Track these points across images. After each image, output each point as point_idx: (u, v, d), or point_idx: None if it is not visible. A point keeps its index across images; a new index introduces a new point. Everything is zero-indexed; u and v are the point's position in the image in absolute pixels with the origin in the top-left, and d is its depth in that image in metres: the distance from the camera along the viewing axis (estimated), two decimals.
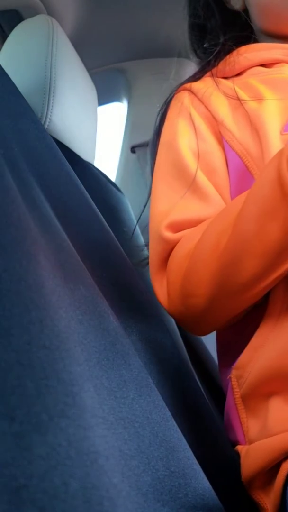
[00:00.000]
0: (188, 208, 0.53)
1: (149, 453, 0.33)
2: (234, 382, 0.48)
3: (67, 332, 0.29)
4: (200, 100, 0.60)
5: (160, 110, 0.66)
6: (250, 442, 0.45)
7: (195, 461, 0.37)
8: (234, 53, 0.63)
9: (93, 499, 0.21)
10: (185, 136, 0.58)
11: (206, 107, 0.59)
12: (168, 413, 0.39)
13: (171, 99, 0.64)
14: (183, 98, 0.62)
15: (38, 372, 0.24)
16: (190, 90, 0.62)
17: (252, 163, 0.53)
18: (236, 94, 0.57)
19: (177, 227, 0.51)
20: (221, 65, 0.64)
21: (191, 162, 0.55)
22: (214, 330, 0.53)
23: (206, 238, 0.47)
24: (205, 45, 0.67)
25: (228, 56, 0.64)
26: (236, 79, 0.62)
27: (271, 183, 0.42)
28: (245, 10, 0.65)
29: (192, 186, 0.54)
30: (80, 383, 0.26)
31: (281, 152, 0.42)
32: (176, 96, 0.64)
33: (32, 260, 0.30)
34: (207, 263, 0.46)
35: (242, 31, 0.65)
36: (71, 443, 0.22)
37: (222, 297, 0.46)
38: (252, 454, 0.43)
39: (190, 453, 0.37)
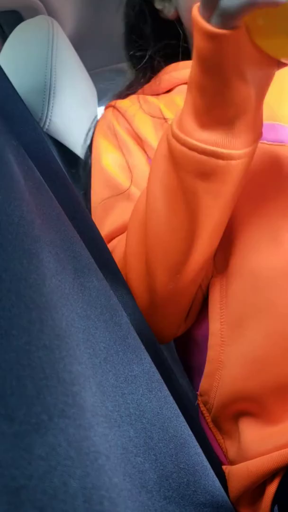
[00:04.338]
0: (124, 215, 0.54)
1: (157, 449, 0.33)
2: (202, 407, 0.48)
3: (69, 330, 0.29)
4: (124, 117, 0.60)
5: (89, 130, 0.67)
6: (231, 463, 0.45)
7: (205, 458, 0.37)
8: (162, 72, 0.63)
9: (93, 499, 0.21)
10: (112, 153, 0.59)
11: (130, 125, 0.59)
12: (178, 410, 0.38)
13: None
14: (108, 115, 0.63)
15: (38, 372, 0.24)
16: (114, 107, 0.63)
17: None
18: (162, 113, 0.58)
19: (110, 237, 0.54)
20: (148, 84, 0.64)
21: (122, 179, 0.56)
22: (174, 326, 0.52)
23: (130, 234, 0.48)
24: (137, 54, 0.67)
25: (156, 76, 0.64)
26: (165, 96, 0.62)
27: (164, 156, 0.42)
28: (178, 20, 0.63)
29: (126, 197, 0.55)
30: (81, 382, 0.26)
31: (167, 127, 0.43)
32: (103, 114, 0.65)
33: (33, 258, 0.29)
34: (138, 255, 0.47)
35: (176, 41, 0.64)
36: (71, 443, 0.22)
37: (170, 280, 0.46)
38: (232, 478, 0.43)
39: (200, 450, 0.37)
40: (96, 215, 0.56)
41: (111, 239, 0.53)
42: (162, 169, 0.43)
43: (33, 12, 0.84)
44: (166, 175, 0.42)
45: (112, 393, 0.32)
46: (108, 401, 0.30)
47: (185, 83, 0.60)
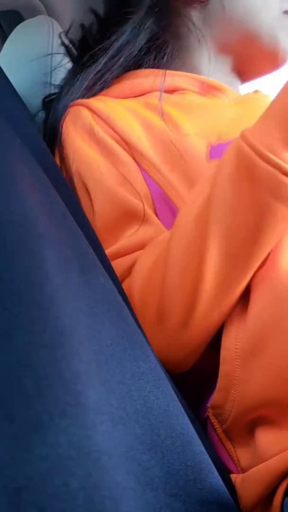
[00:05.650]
0: (138, 233, 0.50)
1: (164, 446, 0.33)
2: (213, 419, 0.46)
3: (73, 328, 0.29)
4: (104, 120, 0.55)
5: (51, 119, 0.61)
6: (244, 471, 0.44)
7: (209, 457, 0.36)
8: (121, 77, 0.60)
9: (95, 499, 0.21)
10: (100, 161, 0.53)
11: (113, 129, 0.54)
12: (183, 408, 0.38)
13: (62, 113, 0.58)
14: (81, 115, 0.56)
15: (39, 372, 0.24)
16: (88, 107, 0.56)
17: (173, 192, 0.51)
18: (162, 116, 0.54)
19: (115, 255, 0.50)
20: (116, 87, 0.60)
21: (124, 194, 0.51)
22: (194, 355, 0.49)
23: (175, 249, 0.45)
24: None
25: (121, 78, 0.60)
26: (136, 99, 0.58)
27: (236, 175, 0.41)
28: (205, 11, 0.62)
29: (138, 216, 0.51)
30: (84, 381, 0.26)
31: (237, 139, 0.42)
32: (71, 111, 0.57)
33: (35, 257, 0.29)
34: (191, 265, 0.44)
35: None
36: (72, 443, 0.22)
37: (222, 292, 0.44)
38: (249, 482, 0.42)
39: (203, 449, 0.37)
40: (98, 227, 0.52)
41: (124, 255, 0.50)
42: (232, 188, 0.41)
43: (33, 12, 0.84)
44: (237, 195, 0.41)
45: (118, 390, 0.32)
46: (113, 399, 0.30)
47: (156, 90, 0.57)
